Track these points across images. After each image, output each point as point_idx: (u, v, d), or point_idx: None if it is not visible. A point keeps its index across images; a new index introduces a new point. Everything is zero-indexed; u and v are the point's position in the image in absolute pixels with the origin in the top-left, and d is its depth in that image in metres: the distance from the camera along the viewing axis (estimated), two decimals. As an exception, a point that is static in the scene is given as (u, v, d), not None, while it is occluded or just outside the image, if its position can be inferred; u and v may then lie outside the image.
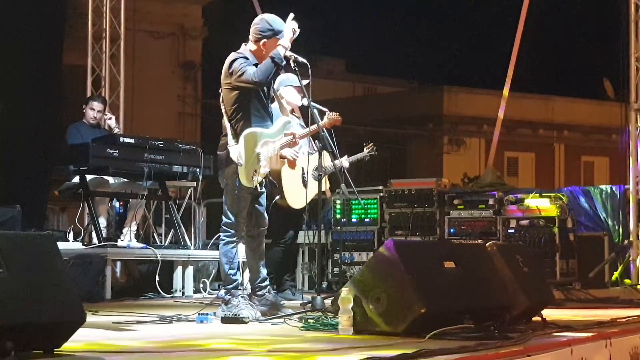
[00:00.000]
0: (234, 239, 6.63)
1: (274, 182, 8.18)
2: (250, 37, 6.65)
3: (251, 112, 6.54)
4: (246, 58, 6.51)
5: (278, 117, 7.13)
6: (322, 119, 7.52)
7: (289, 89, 8.50)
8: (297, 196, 8.25)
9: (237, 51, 6.62)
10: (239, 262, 6.79)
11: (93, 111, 10.19)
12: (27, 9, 10.55)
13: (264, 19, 6.66)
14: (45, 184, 10.41)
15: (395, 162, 27.04)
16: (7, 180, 10.21)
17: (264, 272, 6.82)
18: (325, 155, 7.29)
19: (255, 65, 6.54)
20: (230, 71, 6.50)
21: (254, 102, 6.57)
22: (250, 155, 6.48)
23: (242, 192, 6.54)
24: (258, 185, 6.56)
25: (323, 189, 8.55)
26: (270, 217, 8.49)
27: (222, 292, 6.84)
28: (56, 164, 9.75)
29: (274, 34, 6.56)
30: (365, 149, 9.29)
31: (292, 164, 8.09)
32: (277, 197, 8.28)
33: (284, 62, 6.47)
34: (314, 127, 7.69)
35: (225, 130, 6.61)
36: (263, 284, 6.79)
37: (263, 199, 6.81)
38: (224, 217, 6.64)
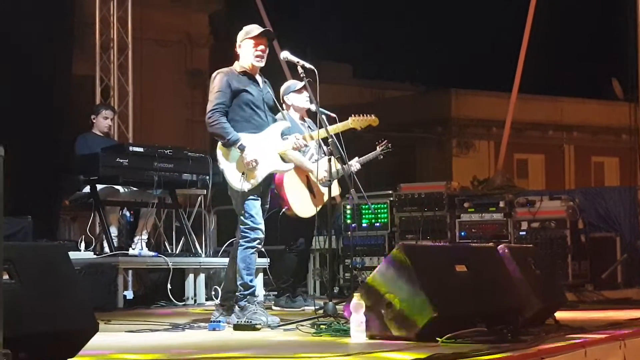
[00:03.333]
0: (254, 244, 6.63)
1: (279, 195, 8.18)
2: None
3: (237, 120, 6.67)
4: (225, 74, 6.72)
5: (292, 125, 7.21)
6: (330, 125, 7.48)
7: (291, 96, 8.53)
8: (304, 205, 8.23)
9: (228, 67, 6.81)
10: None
11: (106, 120, 10.23)
12: (35, 20, 10.56)
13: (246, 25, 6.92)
14: (56, 194, 10.42)
15: (405, 166, 26.99)
16: (17, 191, 10.21)
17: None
18: (335, 161, 7.28)
19: (243, 72, 6.73)
20: (210, 88, 6.76)
21: (243, 110, 6.71)
22: (231, 158, 6.59)
23: (244, 196, 6.57)
24: (246, 190, 6.56)
25: (335, 194, 8.54)
26: (281, 225, 8.52)
27: (219, 300, 6.89)
28: (66, 174, 9.76)
29: (245, 34, 6.78)
30: (377, 147, 9.13)
31: (300, 173, 8.14)
32: (285, 209, 8.26)
33: (228, 144, 6.58)
34: (341, 125, 7.68)
35: None
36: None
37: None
38: (241, 225, 6.65)
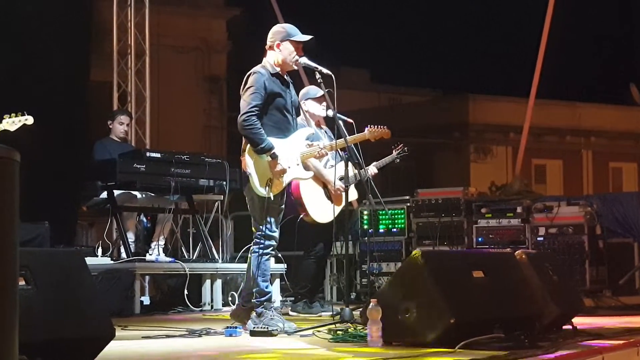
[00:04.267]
0: (268, 250, 6.56)
1: (297, 201, 8.17)
2: (267, 46, 6.71)
3: (266, 124, 6.53)
4: (262, 74, 6.53)
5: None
6: (347, 130, 7.48)
7: (309, 102, 8.52)
8: (322, 211, 8.23)
9: (261, 65, 6.66)
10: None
11: (122, 125, 10.26)
12: (52, 27, 10.61)
13: (277, 25, 6.79)
14: (73, 200, 10.46)
15: (422, 171, 26.97)
16: (34, 197, 10.25)
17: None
18: (352, 166, 7.26)
19: (276, 74, 6.58)
20: (242, 88, 6.56)
21: (273, 114, 6.57)
22: (258, 164, 6.47)
23: (268, 203, 6.48)
24: (272, 197, 6.50)
25: (352, 199, 8.56)
26: (300, 230, 8.52)
27: (235, 306, 6.88)
28: (84, 180, 9.79)
29: (288, 35, 6.64)
30: (394, 151, 9.19)
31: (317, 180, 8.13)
32: (303, 215, 8.26)
33: (260, 151, 6.43)
34: (358, 136, 7.67)
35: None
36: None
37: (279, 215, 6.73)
38: (255, 230, 6.60)
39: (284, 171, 6.52)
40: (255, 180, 6.45)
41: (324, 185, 8.32)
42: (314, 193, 8.25)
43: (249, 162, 6.48)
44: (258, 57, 6.78)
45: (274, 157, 6.46)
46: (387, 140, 8.36)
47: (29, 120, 7.93)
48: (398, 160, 9.19)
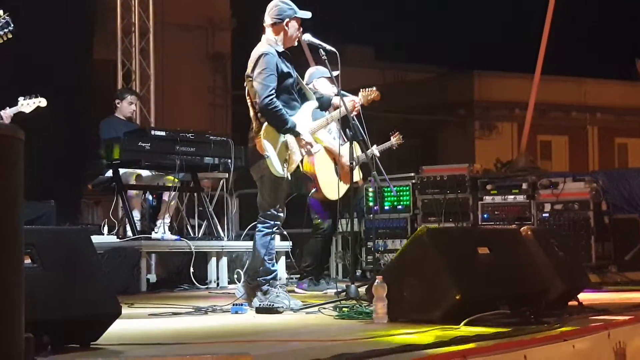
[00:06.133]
0: (273, 230, 6.55)
1: (308, 177, 8.16)
2: (269, 21, 6.58)
3: None
4: (273, 55, 6.43)
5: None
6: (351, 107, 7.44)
7: (321, 81, 8.45)
8: (332, 188, 8.22)
9: (265, 43, 6.59)
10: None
11: (131, 105, 10.25)
12: (55, 5, 10.59)
13: (277, 1, 6.63)
14: (78, 178, 10.47)
15: (427, 148, 26.94)
16: (41, 175, 10.27)
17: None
18: (356, 145, 7.26)
19: (282, 53, 6.54)
20: (254, 70, 6.45)
21: (283, 94, 6.52)
22: (275, 145, 6.43)
23: (278, 183, 6.49)
24: (289, 175, 6.50)
25: (356, 179, 8.55)
26: (308, 208, 8.53)
27: (242, 284, 6.89)
28: (89, 158, 9.80)
29: (294, 12, 6.56)
30: (392, 138, 9.31)
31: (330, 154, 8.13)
32: (313, 190, 8.25)
33: (285, 131, 6.42)
34: (351, 104, 7.61)
35: (253, 122, 6.58)
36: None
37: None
38: (260, 209, 6.58)
39: (311, 143, 6.53)
40: (275, 161, 6.41)
41: (335, 162, 8.31)
42: (327, 169, 8.24)
43: (266, 145, 6.39)
44: (262, 35, 6.71)
45: (297, 134, 6.46)
46: (385, 127, 8.35)
47: (43, 102, 8.01)
48: (395, 147, 9.30)
